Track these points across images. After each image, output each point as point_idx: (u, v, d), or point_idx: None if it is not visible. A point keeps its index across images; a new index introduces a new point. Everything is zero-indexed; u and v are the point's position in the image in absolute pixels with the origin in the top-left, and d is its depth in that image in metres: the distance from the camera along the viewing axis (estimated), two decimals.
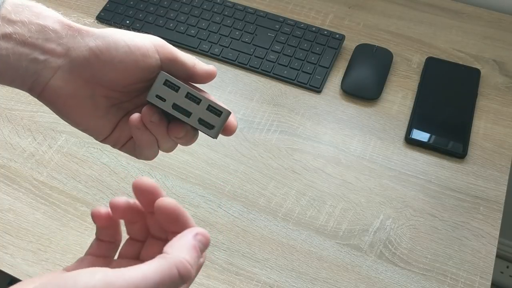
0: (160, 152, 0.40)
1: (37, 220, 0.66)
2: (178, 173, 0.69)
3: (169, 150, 0.41)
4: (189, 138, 0.40)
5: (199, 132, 0.40)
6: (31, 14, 0.35)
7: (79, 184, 0.69)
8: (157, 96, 0.37)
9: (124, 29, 0.38)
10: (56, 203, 0.67)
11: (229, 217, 0.66)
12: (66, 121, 0.39)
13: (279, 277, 0.61)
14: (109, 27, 0.36)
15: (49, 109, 0.39)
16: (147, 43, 0.37)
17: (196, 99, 0.37)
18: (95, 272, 0.27)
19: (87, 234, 0.64)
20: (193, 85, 0.41)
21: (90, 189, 0.68)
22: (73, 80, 0.37)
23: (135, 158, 0.68)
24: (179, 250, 0.29)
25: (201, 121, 0.38)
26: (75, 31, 0.36)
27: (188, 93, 0.37)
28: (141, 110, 0.38)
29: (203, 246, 0.31)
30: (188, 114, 0.37)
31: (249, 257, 0.63)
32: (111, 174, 0.70)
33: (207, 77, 0.39)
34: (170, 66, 0.38)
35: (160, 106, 0.37)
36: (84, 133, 0.41)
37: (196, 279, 0.61)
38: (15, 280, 0.63)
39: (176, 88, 0.37)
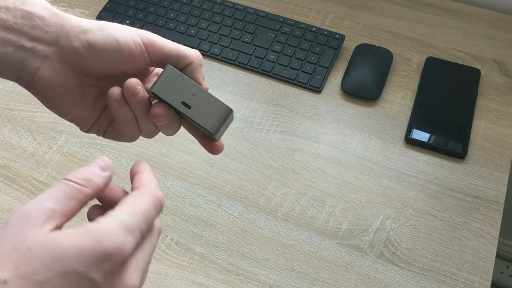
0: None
1: None
2: (178, 173, 0.69)
3: (149, 134, 0.41)
4: (170, 123, 0.39)
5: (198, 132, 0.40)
6: (16, 0, 0.34)
7: None
8: (161, 88, 0.37)
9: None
10: None
11: (229, 217, 0.66)
12: (52, 111, 0.39)
13: (279, 277, 0.61)
14: None
15: (49, 109, 0.39)
16: (135, 40, 0.36)
17: (200, 93, 0.38)
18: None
19: None
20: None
21: None
22: (63, 70, 0.36)
23: (135, 158, 0.68)
24: None
25: (202, 116, 0.38)
26: (63, 20, 0.36)
27: (192, 87, 0.37)
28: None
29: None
30: (189, 107, 0.37)
31: (249, 257, 0.63)
32: None
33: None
34: (162, 62, 0.38)
35: (164, 97, 0.37)
36: (85, 133, 0.40)
37: (196, 279, 0.61)
38: None
39: (180, 82, 0.37)
